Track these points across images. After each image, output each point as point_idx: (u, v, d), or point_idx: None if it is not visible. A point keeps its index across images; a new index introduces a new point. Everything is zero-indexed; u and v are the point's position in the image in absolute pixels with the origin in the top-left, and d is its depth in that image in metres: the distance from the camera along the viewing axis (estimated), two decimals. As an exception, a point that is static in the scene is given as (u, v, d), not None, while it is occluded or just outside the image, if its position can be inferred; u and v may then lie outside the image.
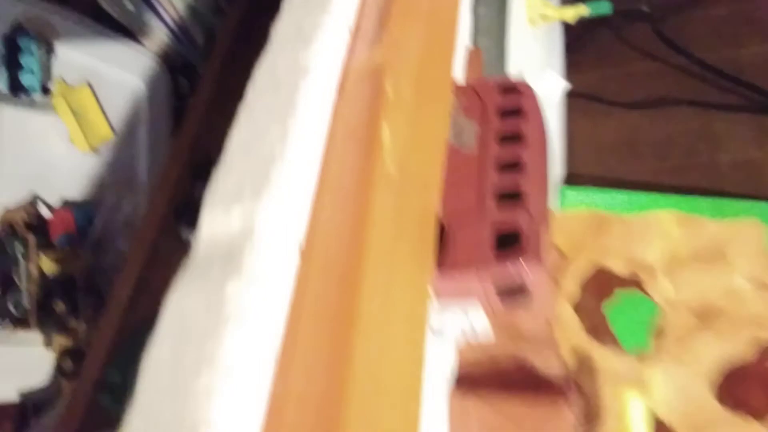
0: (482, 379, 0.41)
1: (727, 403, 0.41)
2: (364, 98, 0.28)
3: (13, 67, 0.85)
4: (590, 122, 0.97)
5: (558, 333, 0.43)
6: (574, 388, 0.42)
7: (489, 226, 0.32)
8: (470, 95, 0.36)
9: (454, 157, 0.33)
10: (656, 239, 0.43)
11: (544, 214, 0.31)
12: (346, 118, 0.26)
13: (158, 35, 0.94)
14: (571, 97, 0.96)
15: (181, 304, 0.19)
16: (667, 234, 0.43)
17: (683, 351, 0.42)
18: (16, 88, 0.84)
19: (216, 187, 0.22)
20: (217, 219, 0.21)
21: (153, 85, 0.97)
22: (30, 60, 0.84)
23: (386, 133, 0.28)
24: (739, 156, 0.85)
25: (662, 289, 0.43)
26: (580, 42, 0.97)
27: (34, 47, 0.84)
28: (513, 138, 0.34)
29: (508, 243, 0.31)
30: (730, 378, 0.43)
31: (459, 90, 0.36)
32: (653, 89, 0.96)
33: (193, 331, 0.18)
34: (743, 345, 0.41)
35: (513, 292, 0.31)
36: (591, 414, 0.42)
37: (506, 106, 0.36)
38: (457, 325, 0.34)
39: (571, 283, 0.45)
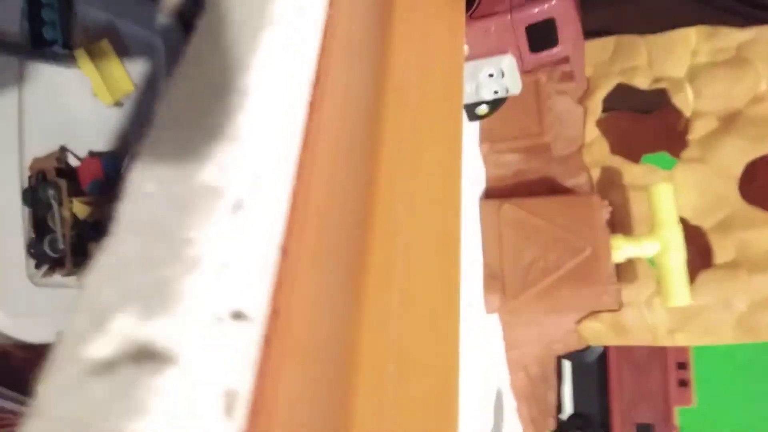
0: (512, 197, 0.42)
1: (752, 199, 0.42)
2: None
3: (36, 21, 0.87)
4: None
5: (586, 153, 0.45)
6: (606, 204, 0.43)
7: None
8: None
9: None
10: (682, 53, 0.44)
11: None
12: None
13: (171, -7, 0.96)
14: (587, 35, 0.97)
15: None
16: (693, 47, 0.44)
17: (707, 153, 0.43)
18: (39, 43, 0.86)
19: None
20: None
21: (170, 40, 0.99)
22: (51, 15, 0.86)
23: None
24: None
25: (687, 98, 0.44)
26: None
27: (54, 2, 0.86)
28: None
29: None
30: (754, 175, 0.44)
31: None
32: (670, 21, 0.95)
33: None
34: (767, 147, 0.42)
35: (544, 42, 0.33)
36: (620, 221, 0.43)
37: None
38: (491, 86, 0.35)
39: (598, 105, 0.46)
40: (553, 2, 0.32)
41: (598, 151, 0.45)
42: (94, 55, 0.91)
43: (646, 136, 0.55)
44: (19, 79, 0.87)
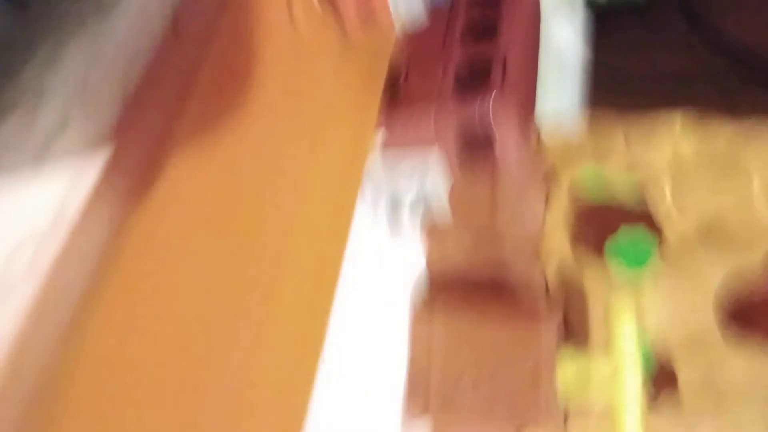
0: (451, 290, 0.37)
1: (732, 327, 0.36)
2: None
3: None
4: (609, 93, 0.93)
5: (544, 246, 0.39)
6: (558, 308, 0.37)
7: (452, 59, 0.27)
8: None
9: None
10: (663, 141, 0.38)
11: (521, 59, 0.27)
12: None
13: None
14: (592, 68, 0.92)
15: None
16: (677, 138, 0.38)
17: (686, 268, 0.37)
18: None
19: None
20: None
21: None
22: None
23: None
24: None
25: (666, 197, 0.38)
26: (603, 18, 0.93)
27: None
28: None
29: (475, 82, 0.27)
30: (737, 300, 0.38)
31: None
32: (674, 63, 0.91)
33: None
34: (754, 262, 0.36)
35: (477, 144, 0.27)
36: (576, 339, 0.38)
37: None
38: (412, 190, 0.29)
39: (564, 192, 0.40)
40: (490, 102, 0.26)
41: (557, 240, 0.39)
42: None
43: (615, 228, 0.48)
44: None
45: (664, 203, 0.38)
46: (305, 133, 0.22)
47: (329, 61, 0.23)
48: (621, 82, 0.92)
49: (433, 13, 0.29)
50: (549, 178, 0.40)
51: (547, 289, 0.38)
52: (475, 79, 0.27)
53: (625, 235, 0.47)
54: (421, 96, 0.27)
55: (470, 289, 0.37)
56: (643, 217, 0.43)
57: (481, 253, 0.38)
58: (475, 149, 0.28)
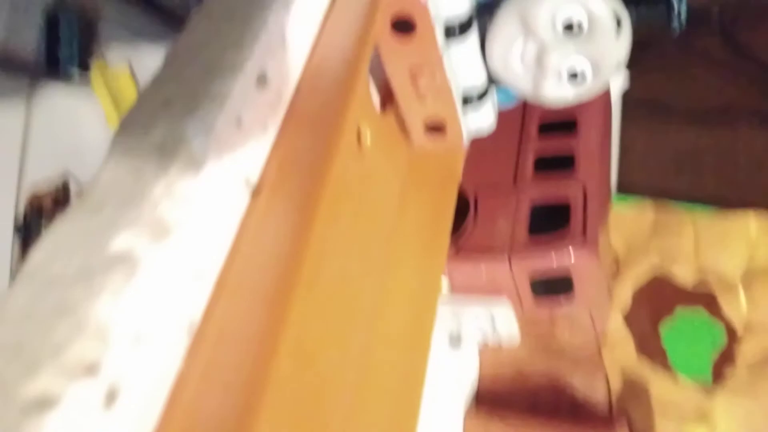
0: (508, 400, 0.33)
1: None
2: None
3: (52, 40, 0.83)
4: (648, 130, 0.89)
5: (606, 351, 0.35)
6: (622, 419, 0.33)
7: (526, 198, 0.24)
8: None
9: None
10: (738, 245, 0.34)
11: (601, 191, 0.23)
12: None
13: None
14: (629, 101, 0.88)
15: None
16: (753, 239, 0.34)
17: (758, 381, 0.33)
18: (53, 62, 0.81)
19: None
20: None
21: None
22: (69, 35, 0.82)
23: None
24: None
25: (739, 306, 0.34)
26: (640, 45, 0.88)
27: (74, 23, 0.81)
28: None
29: (552, 223, 0.23)
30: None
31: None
32: (718, 98, 0.87)
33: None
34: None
35: (553, 289, 0.23)
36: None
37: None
38: (478, 327, 0.26)
39: (627, 293, 0.36)
40: (572, 259, 0.23)
41: (621, 350, 0.35)
42: (111, 82, 0.84)
43: (682, 289, 0.44)
44: (28, 100, 0.81)
45: (739, 318, 0.34)
46: (374, 266, 0.19)
47: (395, 187, 0.20)
48: (662, 122, 0.88)
49: (502, 118, 0.26)
50: (612, 275, 0.36)
51: (610, 402, 0.34)
52: (551, 222, 0.24)
53: (683, 319, 0.43)
54: (490, 246, 0.24)
55: (529, 403, 0.33)
56: (702, 298, 0.39)
57: (538, 369, 0.34)
58: (550, 295, 0.25)
